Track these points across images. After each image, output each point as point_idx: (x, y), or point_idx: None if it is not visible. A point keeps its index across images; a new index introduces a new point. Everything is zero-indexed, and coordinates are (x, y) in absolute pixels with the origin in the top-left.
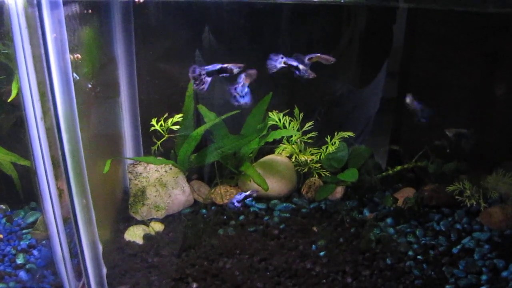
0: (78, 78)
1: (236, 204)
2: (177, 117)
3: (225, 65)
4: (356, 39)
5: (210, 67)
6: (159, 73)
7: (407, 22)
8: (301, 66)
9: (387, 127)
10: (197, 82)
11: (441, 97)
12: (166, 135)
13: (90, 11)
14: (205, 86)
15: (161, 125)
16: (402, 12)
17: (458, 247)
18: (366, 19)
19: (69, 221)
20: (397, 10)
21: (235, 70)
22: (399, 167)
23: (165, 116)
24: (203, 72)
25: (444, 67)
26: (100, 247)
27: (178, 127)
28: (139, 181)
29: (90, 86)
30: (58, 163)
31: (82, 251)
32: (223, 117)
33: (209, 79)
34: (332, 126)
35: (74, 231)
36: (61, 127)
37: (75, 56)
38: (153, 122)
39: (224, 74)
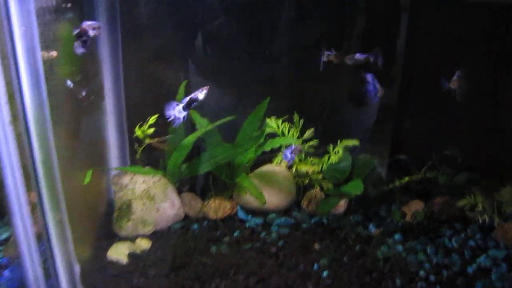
0: (72, 85)
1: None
2: (153, 119)
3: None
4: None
5: None
6: (148, 75)
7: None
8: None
9: (393, 135)
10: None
11: (449, 102)
12: (147, 141)
13: (68, 4)
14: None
15: (143, 130)
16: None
17: (474, 266)
18: (366, 23)
19: (44, 238)
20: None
21: None
22: (406, 178)
23: (148, 119)
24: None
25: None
26: (77, 267)
27: (153, 129)
28: (124, 193)
29: (67, 87)
30: (30, 174)
31: (56, 271)
32: (216, 123)
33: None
34: (335, 133)
35: (48, 249)
36: (31, 133)
37: (51, 53)
38: (136, 128)
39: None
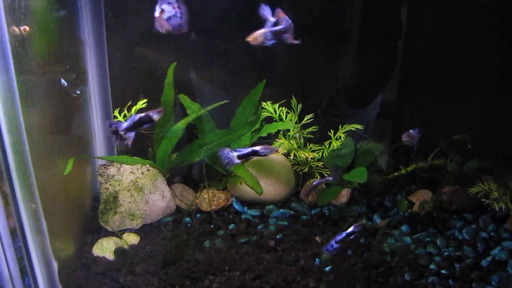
0: (66, 84)
1: (334, 245)
2: (141, 103)
3: (143, 115)
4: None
5: (128, 122)
6: (135, 58)
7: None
8: None
9: (397, 120)
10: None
11: (458, 86)
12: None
13: None
14: (129, 143)
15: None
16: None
17: (488, 259)
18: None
19: (18, 233)
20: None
21: (155, 117)
22: (413, 166)
23: (128, 104)
24: (121, 129)
25: (457, 52)
26: (55, 265)
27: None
28: (110, 184)
29: (44, 67)
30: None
31: (32, 269)
32: (208, 108)
33: (131, 134)
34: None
35: (23, 245)
36: None
37: (22, 28)
38: (116, 113)
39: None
